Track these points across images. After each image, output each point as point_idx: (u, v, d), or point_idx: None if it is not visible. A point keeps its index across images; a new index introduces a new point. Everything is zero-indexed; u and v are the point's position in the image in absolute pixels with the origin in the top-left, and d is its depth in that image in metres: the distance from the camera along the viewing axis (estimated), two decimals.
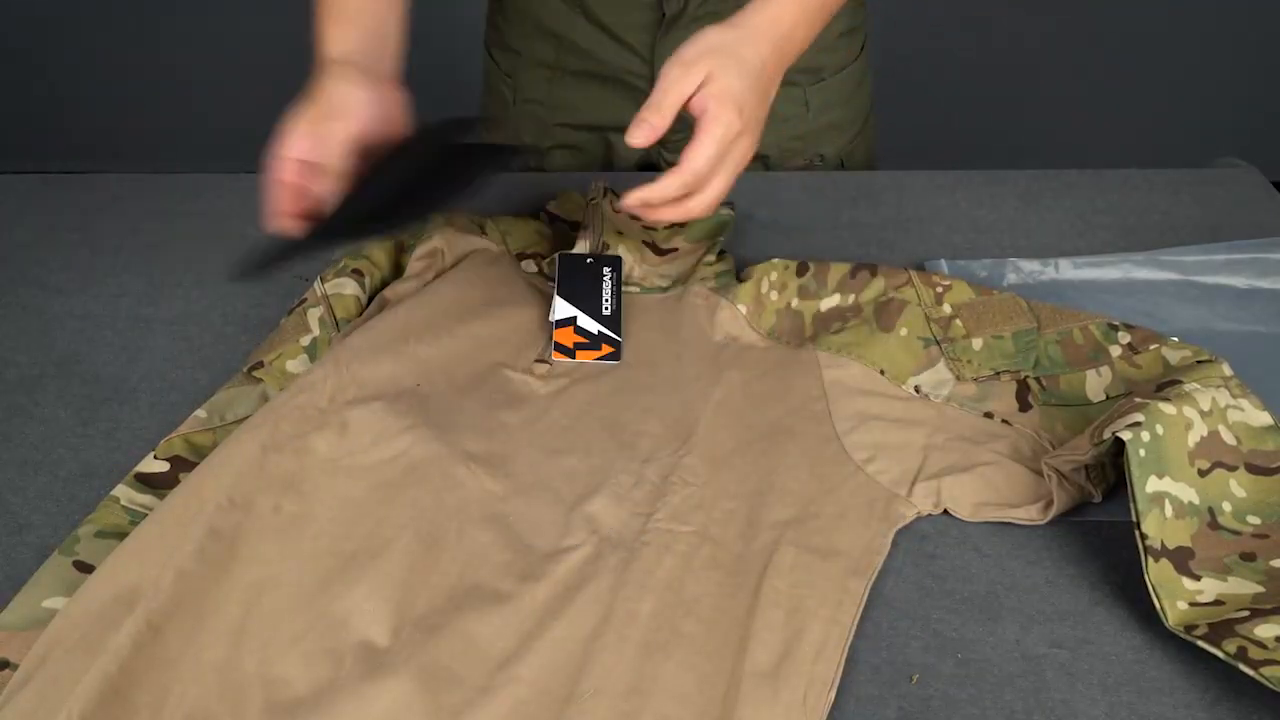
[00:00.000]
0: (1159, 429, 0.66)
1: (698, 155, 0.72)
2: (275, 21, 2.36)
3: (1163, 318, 0.88)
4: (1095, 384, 0.77)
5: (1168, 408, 0.67)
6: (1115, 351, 0.78)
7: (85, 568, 0.66)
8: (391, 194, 0.76)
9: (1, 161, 2.43)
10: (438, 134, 0.82)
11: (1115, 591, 0.67)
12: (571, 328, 0.85)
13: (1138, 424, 0.66)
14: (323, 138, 0.74)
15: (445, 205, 0.88)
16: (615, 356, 0.84)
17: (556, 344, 0.84)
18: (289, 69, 2.44)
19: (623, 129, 1.10)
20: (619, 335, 0.85)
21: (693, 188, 0.74)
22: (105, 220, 1.03)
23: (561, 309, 0.86)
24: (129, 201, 1.06)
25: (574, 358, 0.83)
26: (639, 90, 1.08)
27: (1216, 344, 0.84)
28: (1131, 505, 0.64)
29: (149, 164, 1.33)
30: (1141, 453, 0.65)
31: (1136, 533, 0.64)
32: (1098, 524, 0.71)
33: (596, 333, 0.85)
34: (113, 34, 2.37)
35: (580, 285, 0.87)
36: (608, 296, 0.87)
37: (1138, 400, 0.68)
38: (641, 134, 0.72)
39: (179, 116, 2.46)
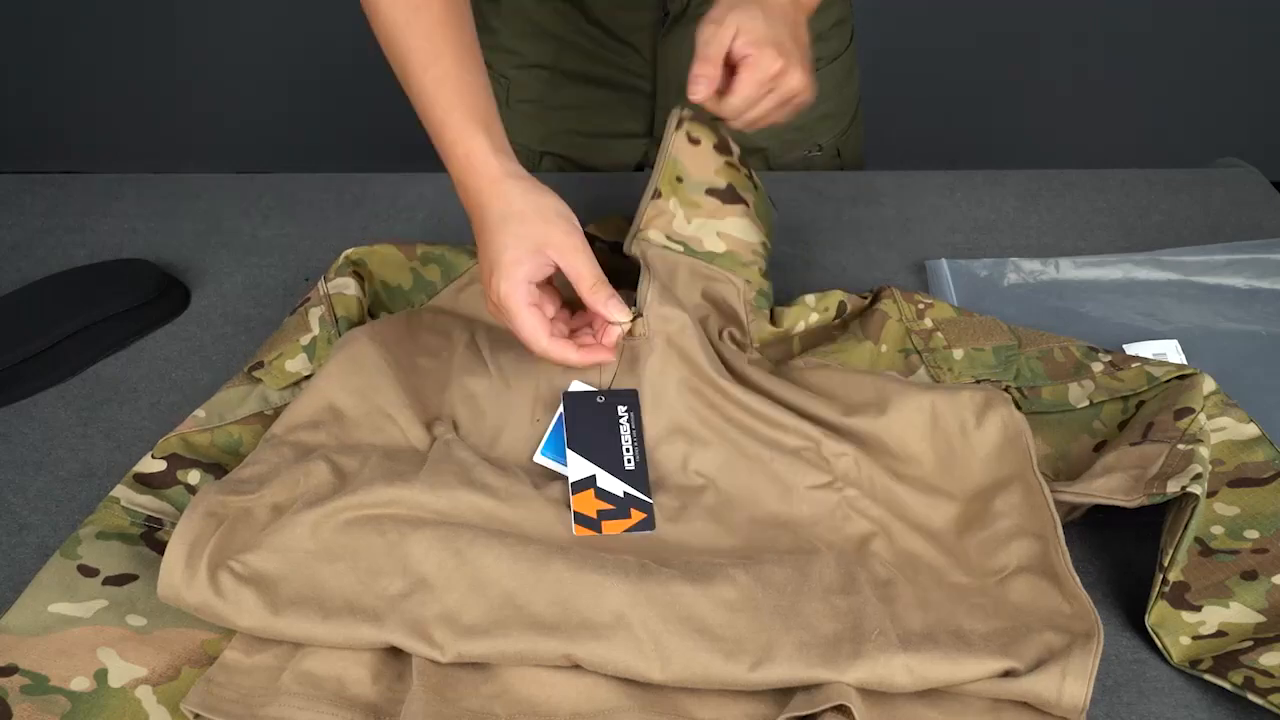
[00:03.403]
0: (1203, 476, 0.65)
1: (741, 89, 0.76)
2: (275, 22, 2.37)
3: (1163, 318, 0.88)
4: (1078, 393, 0.77)
5: (1203, 450, 0.67)
6: (1097, 368, 0.78)
7: (88, 570, 0.65)
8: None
9: (1, 162, 2.43)
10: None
11: (1115, 591, 0.67)
12: (591, 491, 0.69)
13: (1199, 476, 0.64)
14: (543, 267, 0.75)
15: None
16: (648, 524, 0.68)
17: (577, 515, 0.68)
18: (288, 69, 2.44)
19: (622, 135, 1.12)
20: (648, 495, 0.70)
21: (740, 112, 0.78)
22: (104, 220, 1.03)
23: (577, 467, 0.70)
24: (128, 201, 1.06)
25: (600, 531, 0.67)
26: (640, 93, 1.08)
27: (1216, 344, 0.85)
28: (1170, 553, 0.63)
29: (148, 164, 1.33)
30: (1200, 505, 0.64)
31: (1160, 576, 0.63)
32: (1097, 526, 0.71)
33: (622, 495, 0.69)
34: (112, 34, 2.37)
35: (594, 432, 0.71)
36: (628, 445, 0.72)
37: (1181, 449, 0.67)
38: (701, 87, 0.76)
39: (178, 116, 2.46)
